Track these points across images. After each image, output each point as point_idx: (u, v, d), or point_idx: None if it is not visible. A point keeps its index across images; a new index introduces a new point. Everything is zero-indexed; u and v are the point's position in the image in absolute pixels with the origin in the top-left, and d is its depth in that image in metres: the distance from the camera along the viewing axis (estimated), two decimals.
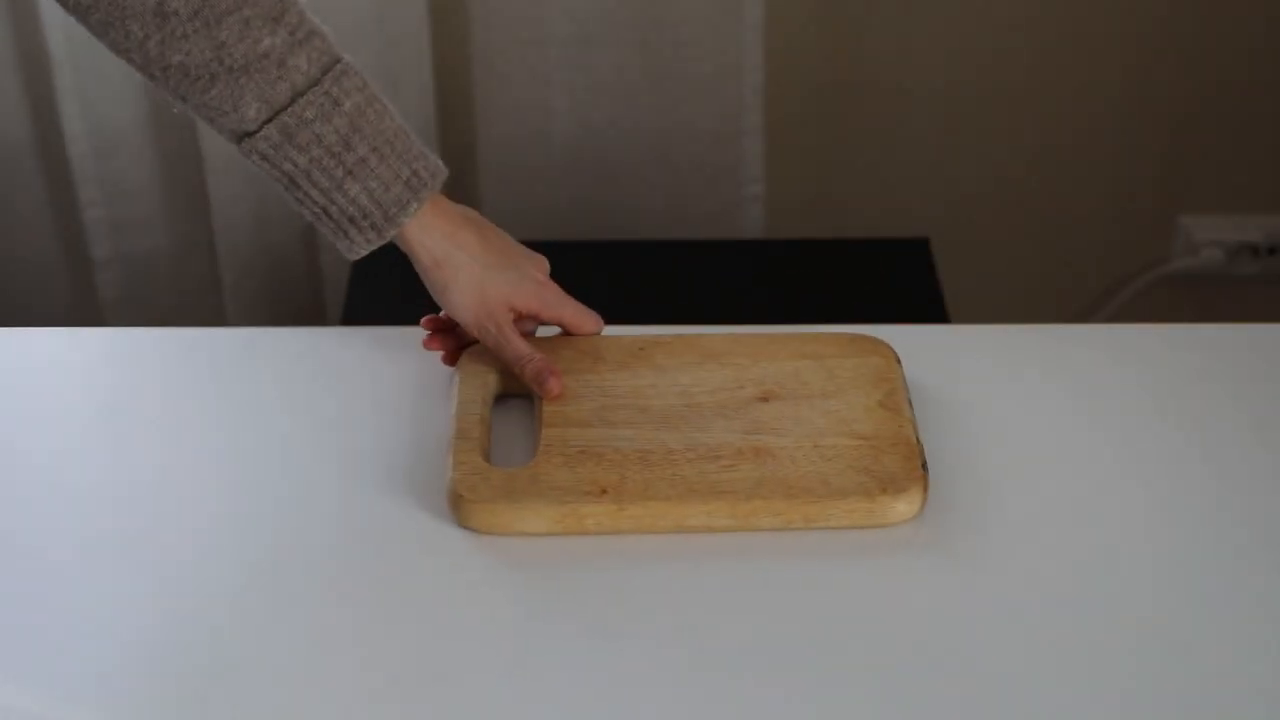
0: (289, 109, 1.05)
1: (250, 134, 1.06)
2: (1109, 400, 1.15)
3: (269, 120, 1.05)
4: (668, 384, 1.12)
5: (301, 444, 1.11)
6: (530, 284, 1.13)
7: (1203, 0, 1.89)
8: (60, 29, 1.75)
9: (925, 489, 1.05)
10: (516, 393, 1.14)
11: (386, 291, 1.71)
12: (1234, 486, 1.08)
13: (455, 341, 1.16)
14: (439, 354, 1.16)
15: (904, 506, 1.04)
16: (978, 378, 1.16)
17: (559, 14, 1.78)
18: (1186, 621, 0.99)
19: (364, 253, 1.11)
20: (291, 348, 1.21)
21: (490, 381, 1.13)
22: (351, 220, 1.09)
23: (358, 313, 1.68)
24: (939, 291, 1.70)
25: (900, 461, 1.06)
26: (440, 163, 1.11)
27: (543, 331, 1.17)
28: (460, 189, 1.92)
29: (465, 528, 1.04)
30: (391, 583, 1.01)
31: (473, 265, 1.11)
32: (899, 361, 1.14)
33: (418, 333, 1.18)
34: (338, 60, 1.07)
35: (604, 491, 1.04)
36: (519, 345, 1.12)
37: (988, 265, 2.05)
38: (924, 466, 1.06)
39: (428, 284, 1.12)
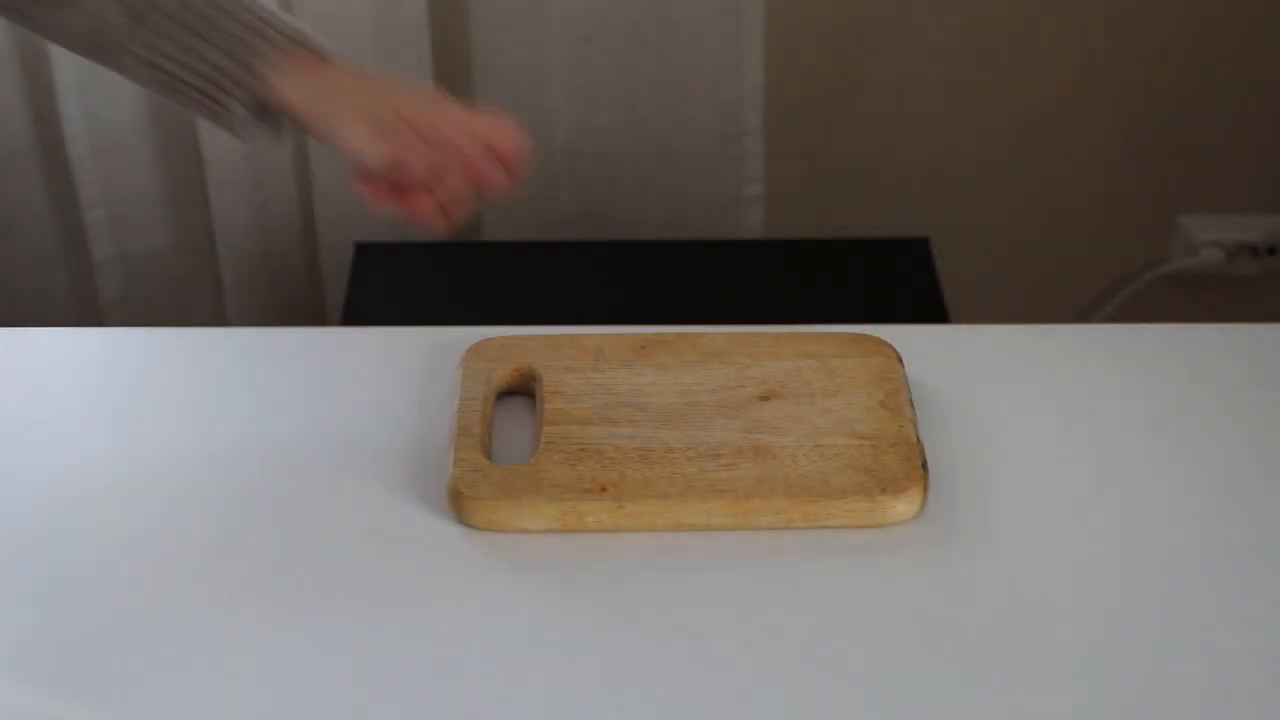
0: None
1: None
2: (1109, 400, 1.15)
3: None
4: (669, 382, 1.12)
5: (301, 444, 1.11)
6: (418, 96, 1.09)
7: (1204, 2, 1.89)
8: None
9: (925, 489, 1.05)
10: (519, 390, 1.14)
11: (386, 291, 1.71)
12: (1234, 486, 1.08)
13: (390, 187, 1.10)
14: (441, 349, 1.16)
15: (904, 506, 1.04)
16: (978, 378, 1.16)
17: (559, 14, 1.78)
18: (1186, 621, 0.99)
19: (249, 124, 1.08)
20: (291, 348, 1.21)
21: (493, 379, 1.13)
22: (219, 87, 1.07)
23: (358, 313, 1.68)
24: (939, 291, 1.70)
25: (900, 461, 1.06)
26: (302, 26, 1.09)
27: (539, 331, 1.18)
28: None
29: (466, 524, 1.04)
30: (392, 580, 1.02)
31: (351, 91, 1.08)
32: (901, 361, 1.14)
33: (418, 333, 1.18)
34: None
35: (604, 489, 1.04)
36: (431, 156, 1.07)
37: (988, 265, 2.05)
38: (924, 466, 1.06)
39: (316, 134, 1.09)
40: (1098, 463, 1.10)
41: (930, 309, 1.67)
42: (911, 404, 1.11)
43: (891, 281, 1.73)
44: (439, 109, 1.09)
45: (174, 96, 1.09)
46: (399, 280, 1.72)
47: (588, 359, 1.14)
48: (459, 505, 1.04)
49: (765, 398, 1.11)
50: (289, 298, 1.94)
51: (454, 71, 1.85)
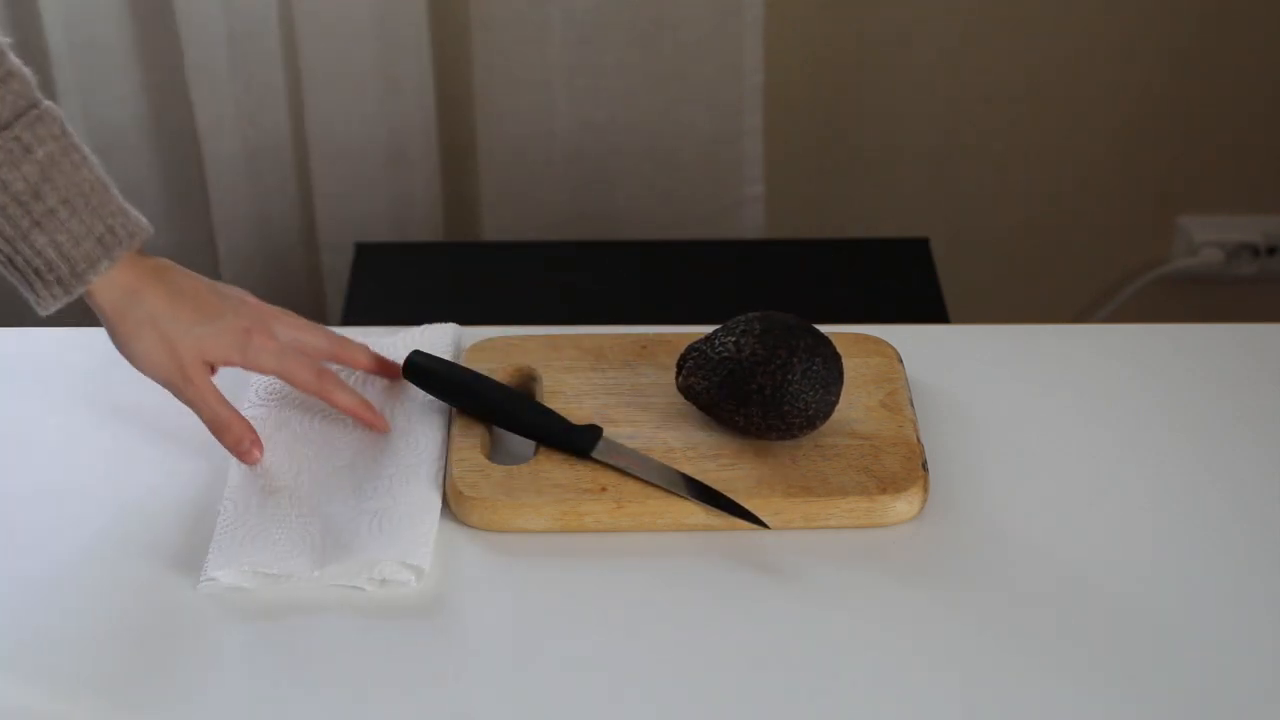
0: None
1: None
2: (1108, 400, 1.15)
3: None
4: (669, 382, 1.12)
5: None
6: (229, 334, 1.06)
7: (1203, 1, 1.89)
8: (60, 27, 1.75)
9: (925, 489, 1.05)
10: (520, 390, 1.14)
11: (386, 291, 1.71)
12: (1233, 485, 1.08)
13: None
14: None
15: (904, 506, 1.04)
16: (978, 378, 1.16)
17: (559, 14, 1.78)
18: (1186, 620, 0.99)
19: (53, 308, 1.04)
20: None
21: (493, 378, 1.13)
22: (37, 273, 1.02)
23: (358, 313, 1.68)
24: (939, 291, 1.70)
25: (900, 461, 1.06)
26: (144, 220, 1.05)
27: (539, 330, 1.18)
28: (460, 189, 1.93)
29: (466, 524, 1.05)
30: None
31: (156, 319, 1.04)
32: (901, 361, 1.14)
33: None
34: (35, 105, 1.01)
35: (603, 489, 1.04)
36: (216, 408, 1.06)
37: (988, 265, 2.05)
38: (924, 466, 1.06)
39: (113, 340, 1.06)
40: (1098, 462, 1.10)
41: (930, 309, 1.67)
42: (911, 404, 1.11)
43: (891, 281, 1.73)
44: (244, 348, 1.07)
45: None
46: (399, 280, 1.72)
47: (588, 359, 1.14)
48: (459, 505, 1.04)
49: None
50: (289, 298, 1.94)
51: (454, 72, 1.85)
